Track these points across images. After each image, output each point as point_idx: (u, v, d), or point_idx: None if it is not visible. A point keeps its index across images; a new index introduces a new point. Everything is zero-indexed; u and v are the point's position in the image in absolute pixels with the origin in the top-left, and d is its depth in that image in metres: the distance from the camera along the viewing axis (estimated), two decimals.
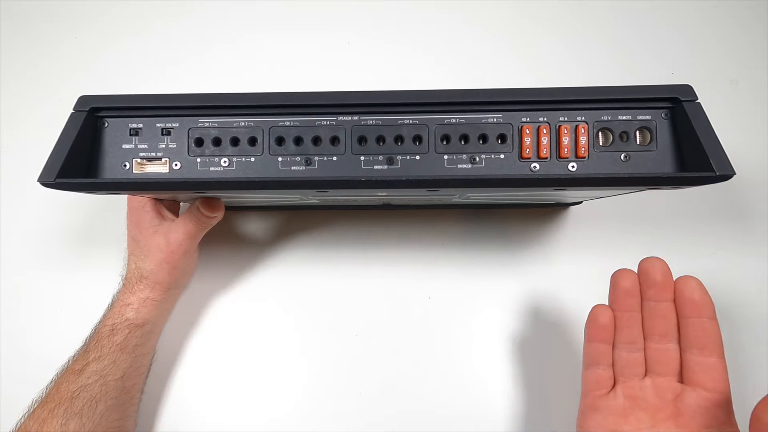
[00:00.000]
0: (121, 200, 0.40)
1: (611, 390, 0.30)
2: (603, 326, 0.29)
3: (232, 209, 0.44)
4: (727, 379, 0.27)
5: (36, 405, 0.34)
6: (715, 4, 0.48)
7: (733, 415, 0.27)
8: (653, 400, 0.29)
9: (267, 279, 0.44)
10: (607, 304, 0.30)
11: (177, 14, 0.50)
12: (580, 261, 0.43)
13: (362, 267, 0.44)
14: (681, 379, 0.29)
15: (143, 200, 0.37)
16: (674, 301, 0.28)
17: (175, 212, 0.40)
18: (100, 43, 0.50)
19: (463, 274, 0.43)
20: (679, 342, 0.29)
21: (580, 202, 0.42)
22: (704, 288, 0.28)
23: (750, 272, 0.42)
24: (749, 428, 0.23)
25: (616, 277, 0.30)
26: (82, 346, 0.36)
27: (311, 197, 0.34)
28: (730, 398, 0.27)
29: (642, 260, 0.29)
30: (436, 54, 0.48)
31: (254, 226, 0.45)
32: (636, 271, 0.29)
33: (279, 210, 0.45)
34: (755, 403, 0.23)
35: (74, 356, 0.36)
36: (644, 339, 0.29)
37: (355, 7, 0.49)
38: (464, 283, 0.43)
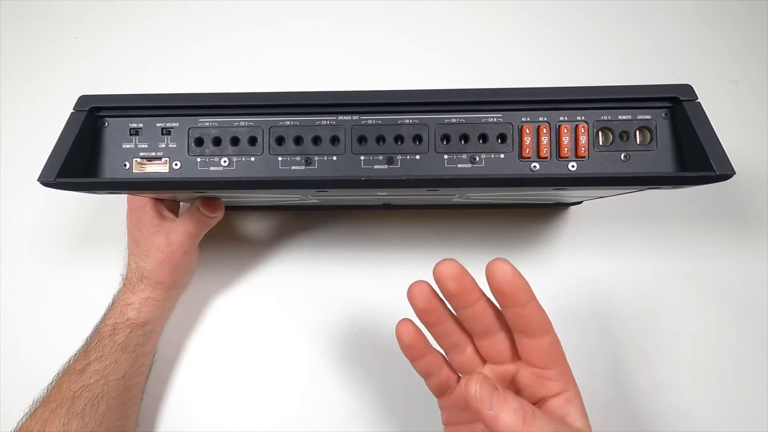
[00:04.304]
0: (121, 200, 0.40)
1: (456, 387, 0.29)
2: (411, 345, 0.28)
3: (232, 209, 0.44)
4: (557, 347, 0.26)
5: (37, 405, 0.34)
6: (715, 3, 0.48)
7: (572, 378, 0.27)
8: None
9: (267, 279, 0.44)
10: (410, 318, 0.28)
11: (177, 14, 0.50)
12: (580, 261, 0.43)
13: (362, 267, 0.44)
14: (515, 358, 0.27)
15: (143, 200, 0.37)
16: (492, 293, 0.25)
17: (175, 212, 0.40)
18: (100, 43, 0.50)
19: None
20: (506, 323, 0.26)
21: (580, 202, 0.42)
22: (513, 275, 0.24)
23: (750, 272, 0.42)
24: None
25: (410, 297, 0.27)
26: (83, 346, 0.36)
27: (311, 197, 0.34)
28: (566, 365, 0.26)
29: (434, 267, 0.26)
30: (436, 53, 0.48)
31: (254, 226, 0.45)
32: (426, 284, 0.27)
33: (279, 210, 0.45)
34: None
35: (75, 356, 0.36)
36: (471, 335, 0.28)
37: (355, 7, 0.50)
38: None
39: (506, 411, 0.22)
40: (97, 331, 0.36)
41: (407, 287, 0.27)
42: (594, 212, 0.44)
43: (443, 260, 0.26)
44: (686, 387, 0.40)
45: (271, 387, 0.41)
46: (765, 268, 0.42)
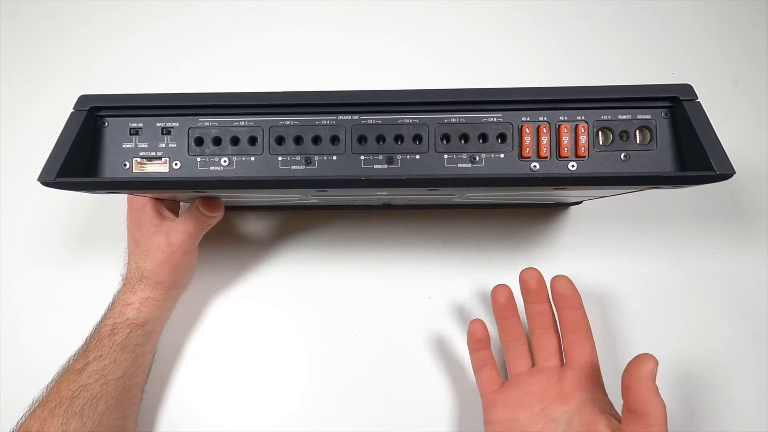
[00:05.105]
0: (121, 200, 0.40)
1: (504, 385, 0.36)
2: (481, 339, 0.36)
3: (232, 209, 0.44)
4: (596, 355, 0.34)
5: (36, 404, 0.34)
6: (715, 3, 0.48)
7: (603, 384, 0.33)
8: (541, 384, 0.34)
9: (267, 279, 0.44)
10: (480, 318, 0.37)
11: (177, 13, 0.50)
12: (580, 261, 0.43)
13: (362, 267, 0.44)
14: (561, 363, 0.35)
15: (143, 200, 0.37)
16: (552, 298, 0.35)
17: (175, 212, 0.40)
18: (100, 43, 0.50)
19: (463, 274, 0.43)
20: (558, 331, 0.35)
21: (580, 202, 0.42)
22: (573, 284, 0.34)
23: (750, 272, 0.42)
24: (621, 392, 0.28)
25: (494, 295, 0.36)
26: (83, 346, 0.36)
27: (311, 197, 0.34)
28: (599, 371, 0.33)
29: (521, 272, 0.35)
30: (436, 53, 0.48)
31: (254, 226, 0.45)
32: (508, 286, 0.36)
33: (279, 210, 0.45)
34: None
35: (75, 356, 0.36)
36: (530, 332, 0.36)
37: (355, 7, 0.50)
38: (464, 283, 0.43)
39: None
40: (97, 330, 0.36)
41: (490, 289, 0.37)
42: (594, 212, 0.44)
43: (529, 268, 0.35)
44: (686, 387, 0.40)
45: (271, 387, 0.41)
46: (765, 268, 0.42)
